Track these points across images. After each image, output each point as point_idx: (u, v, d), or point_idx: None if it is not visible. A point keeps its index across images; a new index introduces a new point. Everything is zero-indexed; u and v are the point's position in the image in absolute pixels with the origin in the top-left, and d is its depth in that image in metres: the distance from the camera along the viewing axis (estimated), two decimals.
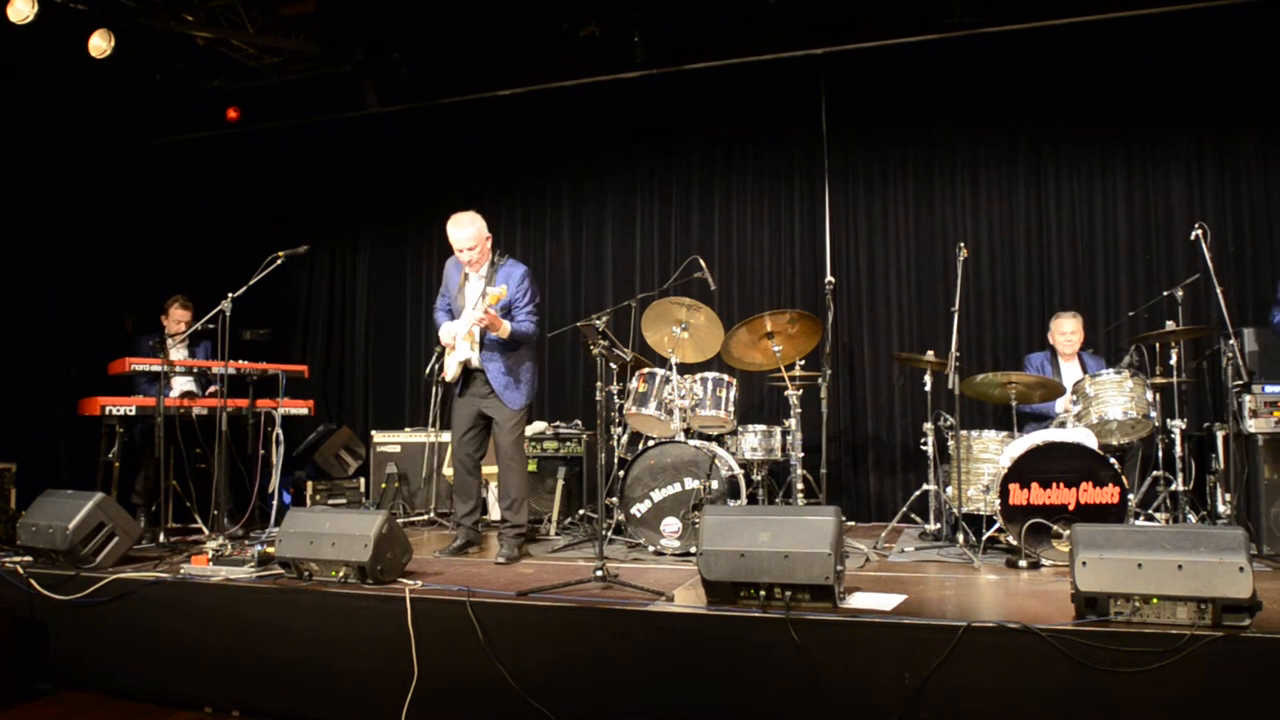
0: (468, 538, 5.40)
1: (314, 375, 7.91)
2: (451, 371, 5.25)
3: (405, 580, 4.23)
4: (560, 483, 6.51)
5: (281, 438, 6.20)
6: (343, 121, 8.35)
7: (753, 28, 7.07)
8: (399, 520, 5.08)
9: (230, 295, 5.58)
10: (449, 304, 5.36)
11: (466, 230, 5.10)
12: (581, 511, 6.40)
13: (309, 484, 7.21)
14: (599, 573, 4.22)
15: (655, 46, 7.12)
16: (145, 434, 6.19)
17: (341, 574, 4.22)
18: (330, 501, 7.19)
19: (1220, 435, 5.59)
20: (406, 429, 7.58)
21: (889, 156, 7.36)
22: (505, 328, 5.02)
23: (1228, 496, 5.34)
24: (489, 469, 5.76)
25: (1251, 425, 5.27)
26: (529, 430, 6.85)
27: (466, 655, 3.81)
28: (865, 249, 7.36)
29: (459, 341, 5.15)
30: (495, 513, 6.63)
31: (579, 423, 7.04)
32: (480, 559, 5.27)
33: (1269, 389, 5.25)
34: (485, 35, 7.46)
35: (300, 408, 6.57)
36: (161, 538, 5.69)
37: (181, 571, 4.55)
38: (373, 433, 7.54)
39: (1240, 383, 5.27)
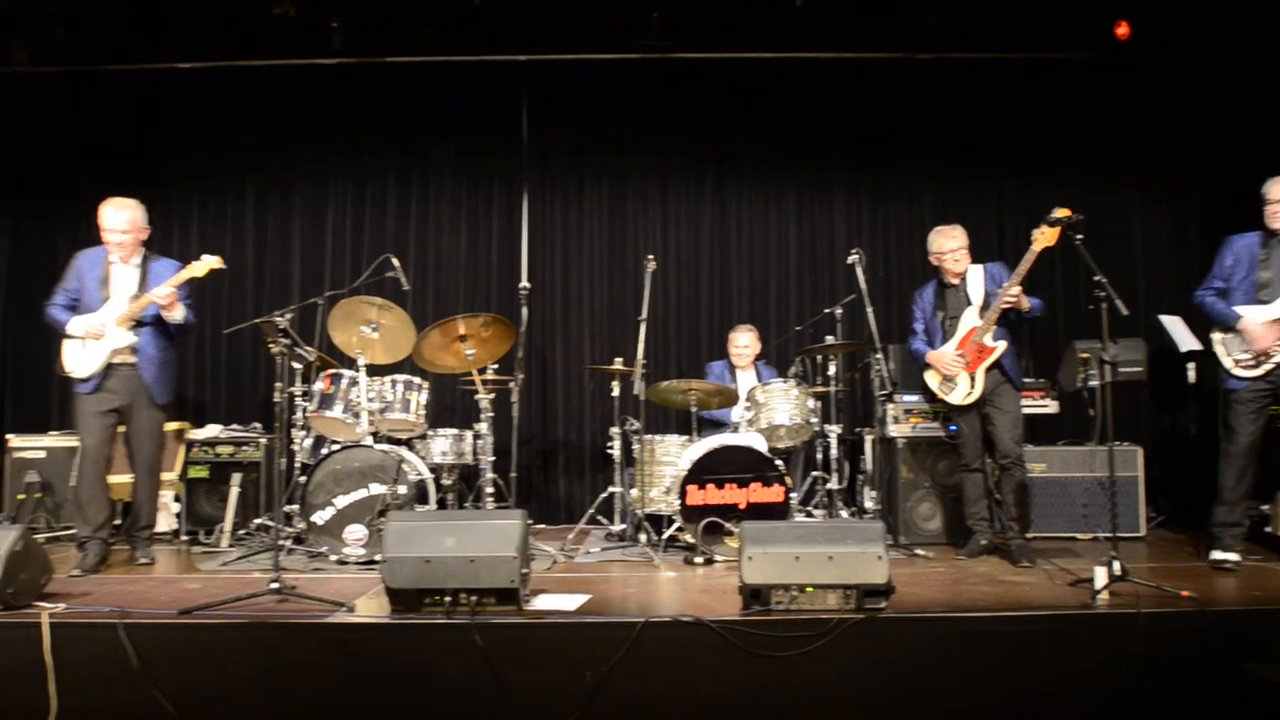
0: (102, 552, 5.02)
1: None
2: (94, 365, 4.96)
3: (43, 604, 3.78)
4: (235, 490, 6.07)
5: None
6: None
7: (457, 26, 6.95)
8: (38, 536, 4.51)
9: None
10: (74, 299, 5.09)
11: (125, 214, 5.05)
12: (258, 521, 6.00)
13: None
14: (275, 585, 3.98)
15: (354, 34, 6.82)
16: None
17: None
18: None
19: (869, 439, 6.27)
20: (52, 432, 6.72)
21: (586, 167, 7.55)
22: (181, 310, 5.04)
23: (873, 493, 5.99)
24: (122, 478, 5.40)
25: (893, 430, 5.99)
26: (201, 434, 6.36)
27: (118, 684, 3.46)
28: (561, 256, 7.50)
29: (111, 329, 4.95)
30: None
31: (258, 426, 6.60)
32: (143, 575, 4.85)
33: (907, 398, 5.99)
34: (161, 1, 6.79)
35: None
36: None
37: None
38: (9, 436, 6.61)
39: (885, 393, 5.94)
